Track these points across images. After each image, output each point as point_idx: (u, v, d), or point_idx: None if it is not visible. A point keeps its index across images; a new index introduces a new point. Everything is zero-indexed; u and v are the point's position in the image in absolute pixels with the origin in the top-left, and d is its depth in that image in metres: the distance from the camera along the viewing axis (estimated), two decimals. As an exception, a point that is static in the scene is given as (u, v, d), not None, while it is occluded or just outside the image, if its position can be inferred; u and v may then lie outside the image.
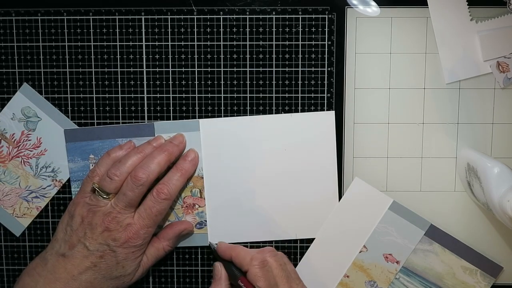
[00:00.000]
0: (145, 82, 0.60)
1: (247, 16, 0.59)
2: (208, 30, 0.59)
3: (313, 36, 0.59)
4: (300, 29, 0.59)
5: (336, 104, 0.59)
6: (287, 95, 0.59)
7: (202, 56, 0.59)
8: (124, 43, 0.59)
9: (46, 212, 0.62)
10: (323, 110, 0.60)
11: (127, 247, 0.54)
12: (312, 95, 0.59)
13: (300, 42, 0.59)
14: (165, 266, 0.62)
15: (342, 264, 0.60)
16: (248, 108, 0.60)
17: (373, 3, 0.58)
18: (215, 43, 0.59)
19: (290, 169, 0.59)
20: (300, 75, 0.59)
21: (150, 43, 0.59)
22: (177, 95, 0.60)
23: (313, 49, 0.59)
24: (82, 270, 0.54)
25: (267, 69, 0.59)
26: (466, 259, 0.59)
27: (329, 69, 0.59)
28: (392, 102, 0.59)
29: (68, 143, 0.60)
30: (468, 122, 0.59)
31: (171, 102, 0.60)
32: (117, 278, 0.55)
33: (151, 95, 0.60)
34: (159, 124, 0.60)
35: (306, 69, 0.59)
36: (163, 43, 0.59)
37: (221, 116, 0.60)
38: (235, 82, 0.59)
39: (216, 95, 0.60)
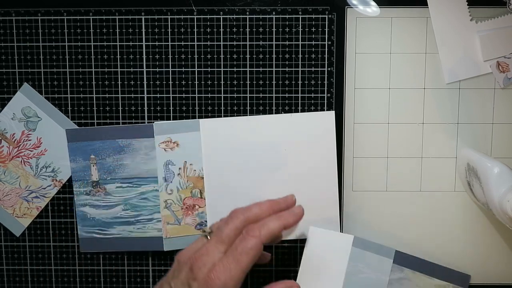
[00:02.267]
0: (145, 82, 0.60)
1: (247, 16, 0.59)
2: (208, 30, 0.59)
3: (313, 36, 0.59)
4: (300, 29, 0.59)
5: (336, 104, 0.59)
6: (287, 95, 0.59)
7: (202, 56, 0.59)
8: (124, 43, 0.59)
9: (46, 212, 0.62)
10: (323, 110, 0.60)
11: None
12: (312, 95, 0.59)
13: (300, 42, 0.59)
14: (165, 266, 0.62)
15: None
16: (248, 108, 0.60)
17: (373, 3, 0.58)
18: (215, 43, 0.59)
19: (290, 169, 0.59)
20: (300, 75, 0.59)
21: (150, 43, 0.59)
22: (177, 95, 0.60)
23: (313, 49, 0.59)
24: None
25: (267, 69, 0.59)
26: (436, 277, 0.59)
27: (329, 69, 0.59)
28: (392, 102, 0.59)
29: (70, 143, 0.60)
30: (468, 122, 0.59)
31: (171, 102, 0.60)
32: None
33: (151, 95, 0.60)
34: (159, 124, 0.60)
35: (306, 69, 0.59)
36: (163, 43, 0.59)
37: (221, 116, 0.60)
38: (235, 82, 0.59)
39: (216, 95, 0.60)
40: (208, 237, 0.50)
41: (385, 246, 0.59)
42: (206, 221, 0.60)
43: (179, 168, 0.60)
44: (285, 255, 0.61)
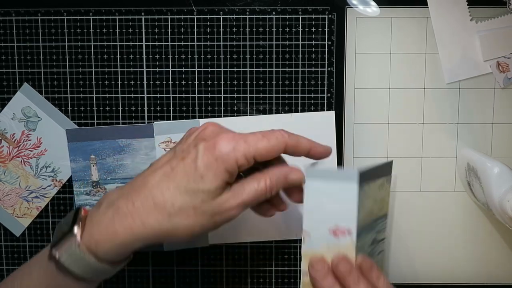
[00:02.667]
0: (145, 82, 0.60)
1: (247, 16, 0.59)
2: (208, 30, 0.59)
3: (313, 36, 0.59)
4: (300, 29, 0.59)
5: (336, 104, 0.59)
6: (287, 95, 0.59)
7: (202, 56, 0.59)
8: (124, 43, 0.59)
9: (46, 212, 0.62)
10: (323, 110, 0.60)
11: (212, 151, 0.44)
12: (312, 95, 0.59)
13: (300, 42, 0.59)
14: (165, 266, 0.62)
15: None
16: (248, 108, 0.60)
17: (373, 3, 0.58)
18: (215, 43, 0.59)
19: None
20: (300, 75, 0.59)
21: (150, 43, 0.59)
22: (177, 95, 0.60)
23: (313, 49, 0.59)
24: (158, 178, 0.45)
25: (267, 69, 0.59)
26: (377, 178, 0.50)
27: (329, 69, 0.59)
28: (392, 102, 0.59)
29: (70, 143, 0.60)
30: (468, 122, 0.59)
31: (171, 102, 0.60)
32: (193, 193, 0.44)
33: (151, 95, 0.60)
34: (159, 124, 0.60)
35: (306, 69, 0.59)
36: (163, 43, 0.59)
37: (221, 116, 0.60)
38: (235, 82, 0.59)
39: (216, 95, 0.60)
40: None
41: (346, 170, 0.52)
42: (206, 221, 0.60)
43: (179, 168, 0.60)
44: (284, 255, 0.61)
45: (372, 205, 0.50)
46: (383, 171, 0.52)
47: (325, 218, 0.47)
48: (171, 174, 0.45)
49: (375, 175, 0.50)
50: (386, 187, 0.53)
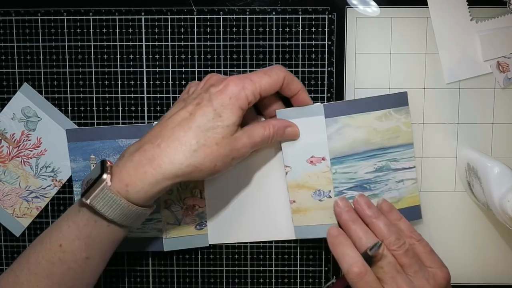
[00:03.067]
0: (145, 82, 0.60)
1: (247, 16, 0.59)
2: (208, 30, 0.59)
3: (313, 36, 0.59)
4: (300, 29, 0.59)
5: (336, 104, 0.59)
6: (287, 95, 0.59)
7: (202, 56, 0.59)
8: (124, 43, 0.59)
9: (46, 212, 0.62)
10: (323, 110, 0.60)
11: (224, 92, 0.50)
12: (312, 95, 0.59)
13: (300, 42, 0.59)
14: (165, 267, 0.62)
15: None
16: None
17: (373, 3, 0.58)
18: (215, 43, 0.59)
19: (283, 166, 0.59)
20: (300, 75, 0.59)
21: (150, 43, 0.59)
22: (177, 95, 0.60)
23: (313, 49, 0.59)
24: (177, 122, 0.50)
25: (267, 69, 0.59)
26: (372, 110, 0.56)
27: (329, 69, 0.59)
28: (392, 102, 0.59)
29: (70, 143, 0.60)
30: (468, 122, 0.59)
31: (171, 102, 0.60)
32: (214, 130, 0.49)
33: (151, 95, 0.60)
34: (159, 124, 0.60)
35: (306, 69, 0.59)
36: (163, 43, 0.59)
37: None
38: (235, 82, 0.59)
39: (216, 95, 0.60)
40: None
41: (310, 106, 0.57)
42: (206, 221, 0.60)
43: (179, 168, 0.60)
44: (284, 255, 0.61)
45: (367, 136, 0.57)
46: (386, 102, 0.57)
47: (302, 151, 0.57)
48: (190, 117, 0.49)
49: (365, 107, 0.56)
50: (397, 118, 0.57)
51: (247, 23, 0.59)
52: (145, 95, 0.60)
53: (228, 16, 0.59)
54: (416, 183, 0.58)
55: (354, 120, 0.57)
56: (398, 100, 0.57)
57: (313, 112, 0.57)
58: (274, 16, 0.59)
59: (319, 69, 0.59)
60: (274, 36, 0.59)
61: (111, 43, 0.59)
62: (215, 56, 0.59)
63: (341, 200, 0.57)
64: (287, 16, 0.59)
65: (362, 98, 0.57)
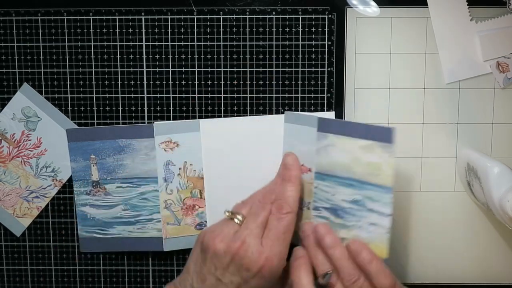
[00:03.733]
0: (145, 82, 0.60)
1: (247, 16, 0.59)
2: (208, 30, 0.59)
3: (313, 36, 0.59)
4: (300, 29, 0.59)
5: (336, 104, 0.59)
6: (287, 95, 0.59)
7: (202, 56, 0.59)
8: (124, 43, 0.59)
9: (46, 212, 0.62)
10: (323, 110, 0.60)
11: (262, 277, 0.49)
12: (312, 95, 0.59)
13: (300, 42, 0.59)
14: (165, 267, 0.62)
15: None
16: (248, 108, 0.60)
17: (373, 3, 0.58)
18: (215, 43, 0.59)
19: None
20: (300, 75, 0.59)
21: (150, 43, 0.59)
22: (177, 95, 0.60)
23: (313, 49, 0.59)
24: None
25: (267, 69, 0.59)
26: (358, 137, 0.53)
27: (329, 69, 0.59)
28: (392, 102, 0.59)
29: (70, 142, 0.60)
30: (468, 122, 0.59)
31: (171, 102, 0.60)
32: None
33: (151, 95, 0.60)
34: (159, 124, 0.60)
35: (306, 69, 0.59)
36: (163, 43, 0.59)
37: (221, 116, 0.60)
38: (235, 82, 0.59)
39: (216, 95, 0.60)
40: (237, 220, 0.52)
41: (310, 115, 0.57)
42: (206, 222, 0.60)
43: (179, 169, 0.60)
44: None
45: (349, 162, 0.53)
46: (372, 134, 0.52)
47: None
48: None
49: (353, 132, 0.53)
50: (381, 154, 0.52)
51: (247, 23, 0.59)
52: (145, 95, 0.60)
53: (228, 16, 0.59)
54: (388, 233, 0.51)
55: (340, 141, 0.54)
56: (384, 135, 0.51)
57: (310, 123, 0.56)
58: (274, 16, 0.59)
59: (319, 69, 0.59)
60: (274, 36, 0.59)
61: (111, 43, 0.59)
62: (215, 56, 0.59)
63: (307, 224, 0.54)
64: (287, 16, 0.59)
65: (353, 122, 0.57)
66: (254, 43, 0.59)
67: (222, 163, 0.60)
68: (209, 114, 0.60)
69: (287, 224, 0.51)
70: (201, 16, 0.59)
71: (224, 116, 0.60)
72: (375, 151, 0.52)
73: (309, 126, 0.56)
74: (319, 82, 0.59)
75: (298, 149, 0.57)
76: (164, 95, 0.60)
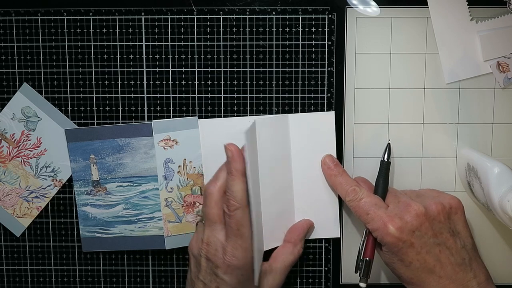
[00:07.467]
0: (145, 82, 0.60)
1: (247, 16, 0.59)
2: (208, 30, 0.59)
3: (313, 36, 0.59)
4: (300, 29, 0.59)
5: (336, 104, 0.59)
6: (287, 95, 0.59)
7: (202, 56, 0.59)
8: (124, 43, 0.59)
9: (46, 212, 0.62)
10: (323, 110, 0.60)
11: (232, 273, 0.52)
12: (312, 95, 0.59)
13: (300, 42, 0.59)
14: (165, 266, 0.62)
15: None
16: (248, 108, 0.60)
17: (373, 3, 0.58)
18: (215, 43, 0.59)
19: (290, 169, 0.59)
20: (300, 75, 0.59)
21: (150, 43, 0.59)
22: (177, 95, 0.60)
23: (313, 49, 0.59)
24: None
25: (267, 69, 0.59)
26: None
27: (329, 69, 0.59)
28: (392, 102, 0.59)
29: (69, 143, 0.60)
30: (468, 122, 0.59)
31: (171, 102, 0.60)
32: None
33: (151, 95, 0.60)
34: (157, 123, 0.60)
35: (306, 69, 0.59)
36: (163, 43, 0.59)
37: (221, 116, 0.60)
38: (235, 82, 0.59)
39: (216, 95, 0.60)
40: (203, 221, 0.55)
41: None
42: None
43: (179, 166, 0.60)
44: (285, 255, 0.61)
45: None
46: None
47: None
48: None
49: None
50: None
51: (247, 23, 0.59)
52: (145, 95, 0.60)
53: (228, 16, 0.59)
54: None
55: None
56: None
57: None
58: (274, 16, 0.59)
59: (319, 69, 0.59)
60: (274, 36, 0.59)
61: (111, 43, 0.59)
62: (215, 56, 0.59)
63: (328, 157, 0.59)
64: (287, 16, 0.59)
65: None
66: (254, 43, 0.59)
67: (222, 159, 0.60)
68: (209, 114, 0.60)
69: (238, 219, 0.51)
70: (201, 16, 0.59)
71: (224, 116, 0.60)
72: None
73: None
74: (319, 82, 0.59)
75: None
76: (164, 95, 0.60)
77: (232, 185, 0.52)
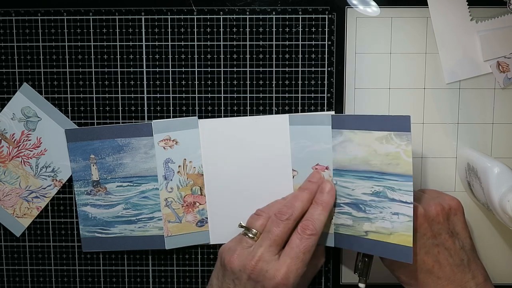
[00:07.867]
0: (145, 82, 0.60)
1: (247, 16, 0.59)
2: (208, 30, 0.59)
3: (313, 36, 0.59)
4: (300, 29, 0.59)
5: (336, 104, 0.59)
6: (287, 95, 0.59)
7: (202, 56, 0.59)
8: (124, 43, 0.59)
9: (46, 212, 0.62)
10: (323, 110, 0.60)
11: None
12: (312, 95, 0.59)
13: (300, 42, 0.59)
14: (165, 266, 0.62)
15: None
16: (248, 108, 0.60)
17: (373, 3, 0.58)
18: (215, 43, 0.59)
19: (290, 169, 0.59)
20: (300, 75, 0.59)
21: (150, 43, 0.59)
22: (177, 95, 0.60)
23: (313, 49, 0.59)
24: None
25: (267, 69, 0.59)
26: (374, 129, 0.54)
27: (329, 69, 0.59)
28: (392, 102, 0.59)
29: (69, 143, 0.60)
30: (468, 122, 0.59)
31: (171, 102, 0.60)
32: None
33: (151, 95, 0.60)
34: (157, 122, 0.60)
35: (306, 69, 0.59)
36: (163, 43, 0.59)
37: (221, 116, 0.60)
38: (235, 82, 0.59)
39: (216, 95, 0.60)
40: (251, 236, 0.54)
41: (321, 114, 0.58)
42: (207, 218, 0.60)
43: (179, 166, 0.60)
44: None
45: (367, 155, 0.54)
46: (388, 124, 0.53)
47: (308, 158, 0.58)
48: None
49: (367, 125, 0.54)
50: (398, 144, 0.52)
51: (247, 23, 0.59)
52: (145, 95, 0.60)
53: (228, 16, 0.59)
54: (410, 221, 0.52)
55: (356, 136, 0.55)
56: (400, 124, 0.52)
57: (322, 121, 0.56)
58: (274, 16, 0.59)
59: (319, 69, 0.59)
60: (274, 36, 0.59)
61: (111, 43, 0.59)
62: (215, 56, 0.59)
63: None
64: (287, 16, 0.59)
65: (366, 115, 0.56)
66: (254, 43, 0.59)
67: (222, 159, 0.60)
68: (209, 114, 0.60)
69: (310, 245, 0.52)
70: (201, 16, 0.59)
71: (224, 116, 0.60)
72: (392, 141, 0.53)
73: (321, 125, 0.57)
74: (319, 82, 0.59)
75: (311, 150, 0.57)
76: (164, 95, 0.60)
77: (318, 214, 0.53)
